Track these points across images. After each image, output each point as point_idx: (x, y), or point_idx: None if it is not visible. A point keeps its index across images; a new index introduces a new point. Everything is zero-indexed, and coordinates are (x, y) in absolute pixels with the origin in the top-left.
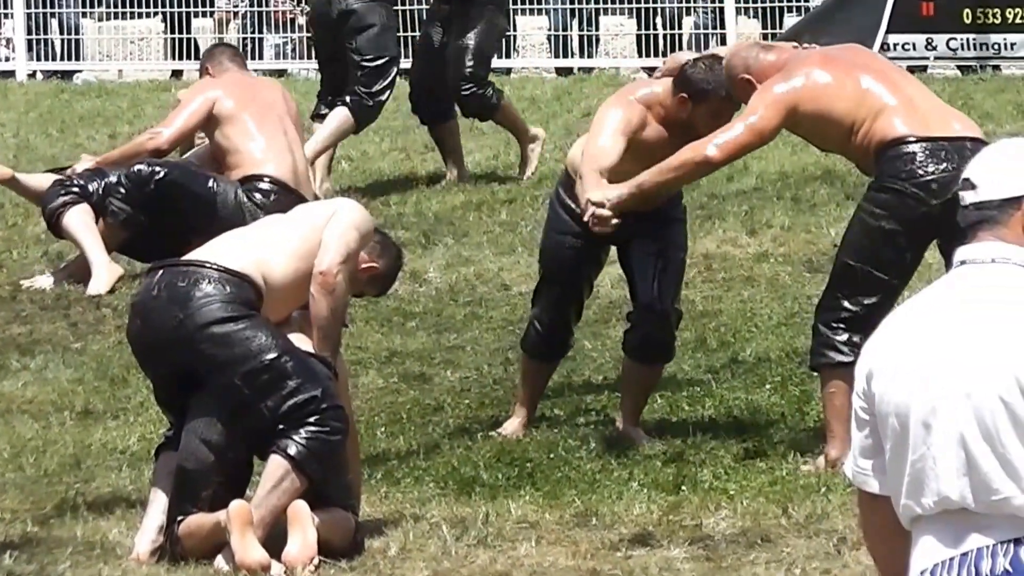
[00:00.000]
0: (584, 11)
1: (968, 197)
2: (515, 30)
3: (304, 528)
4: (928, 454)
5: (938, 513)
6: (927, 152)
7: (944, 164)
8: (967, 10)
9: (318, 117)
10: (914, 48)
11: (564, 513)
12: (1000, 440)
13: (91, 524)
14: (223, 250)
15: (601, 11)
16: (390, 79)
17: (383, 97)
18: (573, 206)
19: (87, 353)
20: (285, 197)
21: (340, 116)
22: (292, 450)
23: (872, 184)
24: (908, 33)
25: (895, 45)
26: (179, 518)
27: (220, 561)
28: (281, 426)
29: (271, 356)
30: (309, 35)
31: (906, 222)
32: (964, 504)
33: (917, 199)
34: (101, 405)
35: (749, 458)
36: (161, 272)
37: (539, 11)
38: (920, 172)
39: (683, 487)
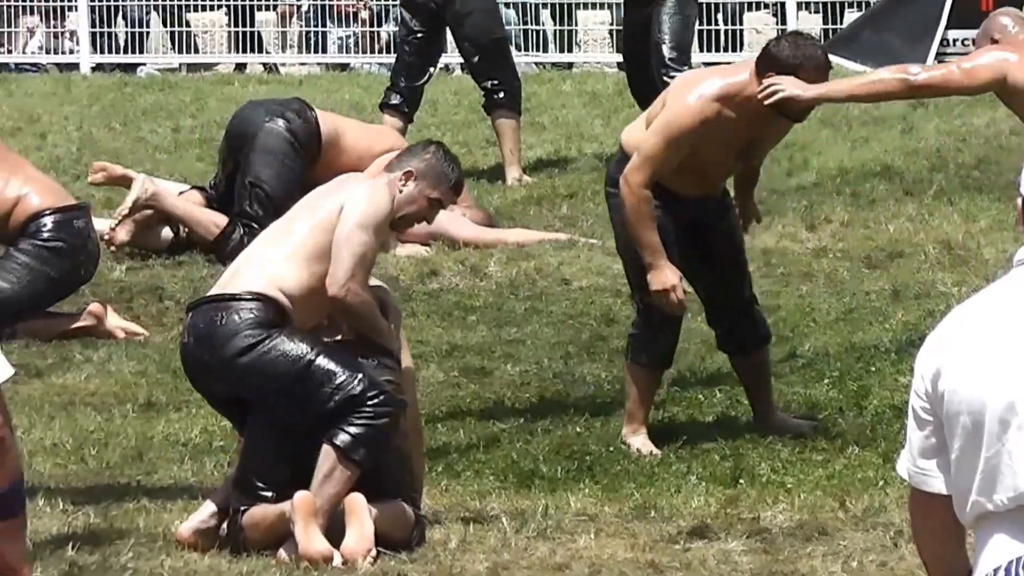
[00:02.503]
0: None
1: None
2: (576, 25)
3: (361, 520)
4: (1004, 450)
5: (1013, 509)
6: None
7: None
8: None
9: (387, 107)
10: (974, 43)
11: (623, 506)
12: None
13: (153, 516)
14: (241, 272)
15: None
16: (509, 58)
17: (516, 81)
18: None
19: (149, 346)
20: None
21: (502, 121)
22: (339, 439)
23: None
24: (968, 29)
25: (954, 41)
26: (242, 508)
27: (283, 553)
28: (331, 421)
29: (301, 367)
30: (372, 29)
31: None
32: None
33: None
34: (163, 397)
35: (806, 452)
36: (191, 315)
37: (601, 5)
38: None
39: (741, 480)
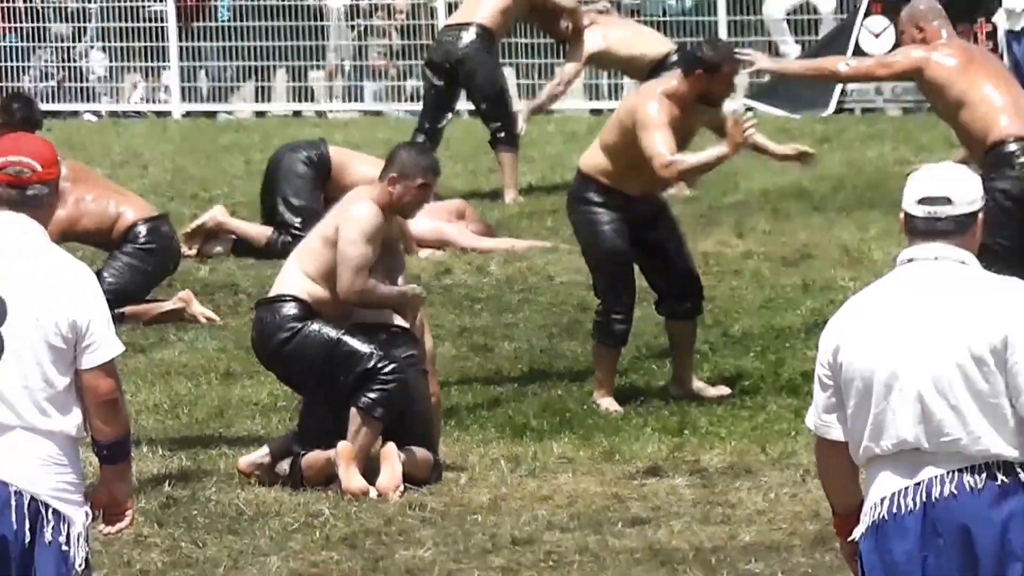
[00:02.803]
0: None
1: (945, 210)
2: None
3: (392, 463)
4: (888, 407)
5: (895, 454)
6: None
7: None
8: None
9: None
10: (868, 92)
11: (594, 451)
12: (954, 395)
13: (231, 460)
14: (281, 279)
15: None
16: (509, 105)
17: (515, 126)
18: (601, 200)
19: (228, 329)
20: None
21: (503, 154)
22: (362, 403)
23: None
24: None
25: (852, 90)
26: (301, 454)
27: (331, 490)
28: (355, 389)
29: (329, 350)
30: (400, 83)
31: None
32: (918, 445)
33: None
34: (239, 368)
35: (736, 409)
36: (255, 313)
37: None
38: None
39: (685, 431)
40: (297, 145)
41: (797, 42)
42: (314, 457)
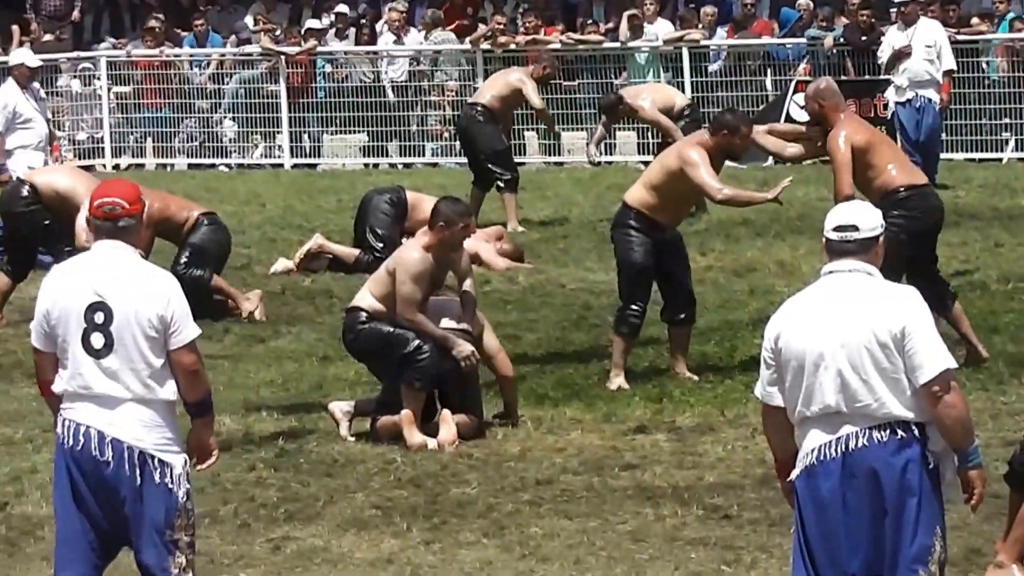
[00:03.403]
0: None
1: (853, 235)
2: (562, 141)
3: (449, 424)
4: (816, 380)
5: (821, 415)
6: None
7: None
8: None
9: (475, 186)
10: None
11: (596, 414)
12: (864, 370)
13: (328, 422)
14: (359, 295)
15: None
16: (509, 160)
17: (516, 173)
18: (637, 226)
19: (324, 324)
20: None
21: (506, 195)
22: (404, 378)
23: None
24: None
25: None
26: (378, 417)
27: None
28: (401, 368)
29: (384, 341)
30: (452, 143)
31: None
32: (839, 409)
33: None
34: (333, 353)
35: (702, 383)
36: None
37: (579, 129)
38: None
39: (664, 399)
40: (383, 189)
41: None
42: (385, 420)
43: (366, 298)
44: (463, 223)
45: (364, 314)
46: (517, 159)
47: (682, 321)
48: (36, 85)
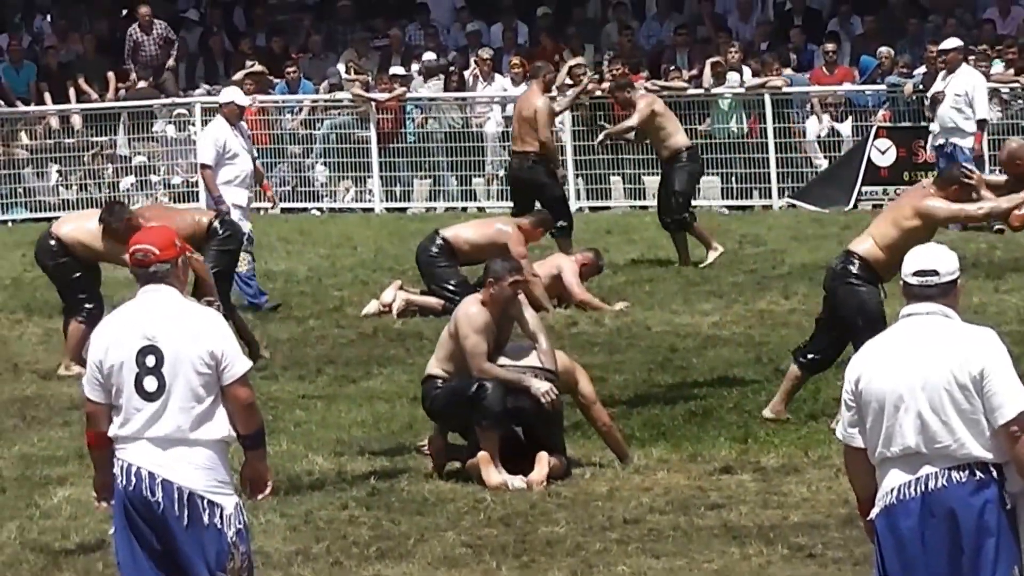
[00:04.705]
0: None
1: (934, 280)
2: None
3: (542, 464)
4: (896, 422)
5: (901, 456)
6: None
7: None
8: (906, 172)
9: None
10: (877, 192)
11: (682, 455)
12: (944, 411)
13: (419, 461)
14: (430, 361)
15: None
16: (565, 207)
17: (569, 219)
18: (858, 274)
19: (415, 365)
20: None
21: (561, 239)
22: (475, 420)
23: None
24: (872, 185)
25: (865, 191)
26: (468, 458)
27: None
28: (471, 412)
29: (451, 396)
30: (503, 187)
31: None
32: (918, 450)
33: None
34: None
35: (788, 424)
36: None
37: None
38: None
39: (749, 439)
40: (422, 245)
41: (825, 157)
42: (472, 462)
43: (435, 365)
44: (512, 278)
45: (439, 380)
46: (603, 203)
47: (817, 369)
48: (243, 124)
